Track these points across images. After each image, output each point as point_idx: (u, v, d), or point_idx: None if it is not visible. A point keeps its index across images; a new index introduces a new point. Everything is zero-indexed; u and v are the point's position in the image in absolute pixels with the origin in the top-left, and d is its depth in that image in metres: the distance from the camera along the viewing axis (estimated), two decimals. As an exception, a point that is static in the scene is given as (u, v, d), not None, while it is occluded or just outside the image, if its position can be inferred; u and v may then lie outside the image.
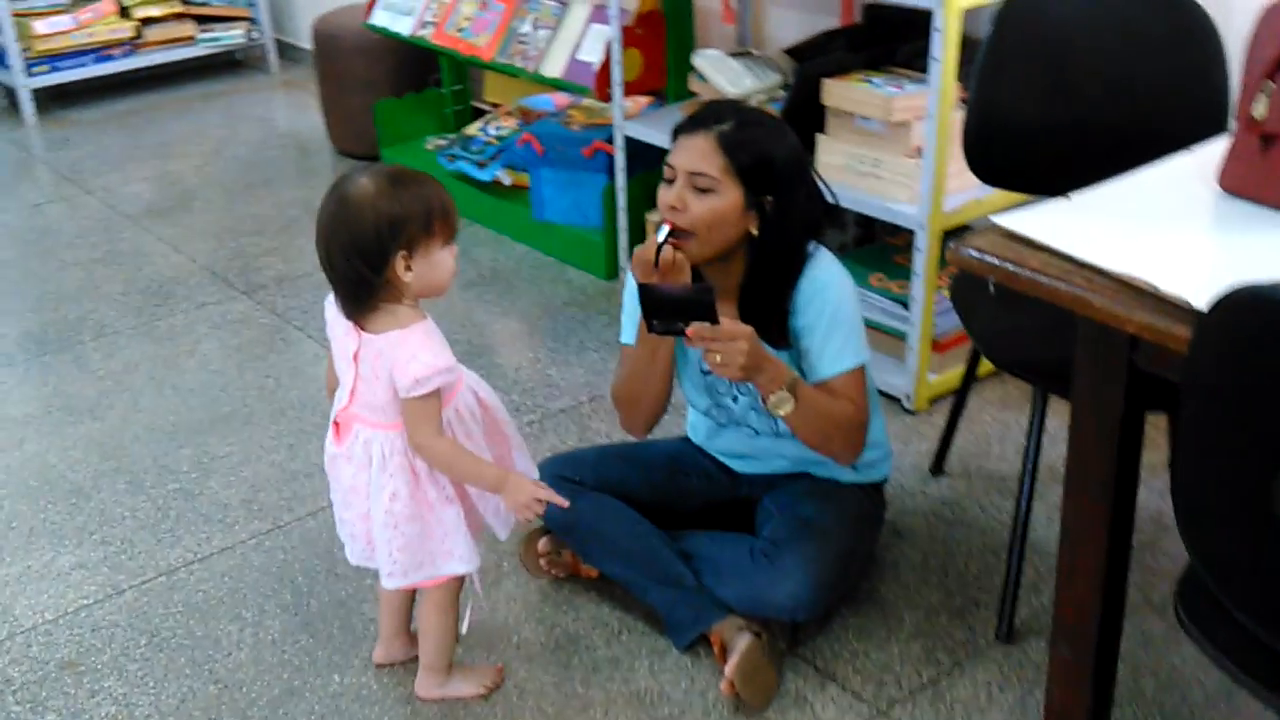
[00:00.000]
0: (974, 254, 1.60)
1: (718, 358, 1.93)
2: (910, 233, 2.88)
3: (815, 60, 3.08)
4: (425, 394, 1.82)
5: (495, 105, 4.54)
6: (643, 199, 3.53)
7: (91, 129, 5.24)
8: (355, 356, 1.86)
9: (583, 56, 3.61)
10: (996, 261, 1.58)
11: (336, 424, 1.97)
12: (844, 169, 2.97)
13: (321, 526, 2.64)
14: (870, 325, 3.11)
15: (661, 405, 2.24)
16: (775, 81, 3.27)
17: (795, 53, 3.30)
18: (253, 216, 4.28)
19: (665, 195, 2.05)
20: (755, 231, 2.05)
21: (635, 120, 3.53)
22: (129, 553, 2.59)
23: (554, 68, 3.67)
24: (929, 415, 2.96)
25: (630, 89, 3.59)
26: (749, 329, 1.94)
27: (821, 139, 3.01)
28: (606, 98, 3.53)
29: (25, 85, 5.29)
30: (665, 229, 2.02)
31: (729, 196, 2.03)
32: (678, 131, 2.10)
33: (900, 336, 3.01)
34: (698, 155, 2.03)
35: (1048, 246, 1.56)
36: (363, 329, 1.85)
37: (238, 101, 5.52)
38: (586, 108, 3.88)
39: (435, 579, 2.02)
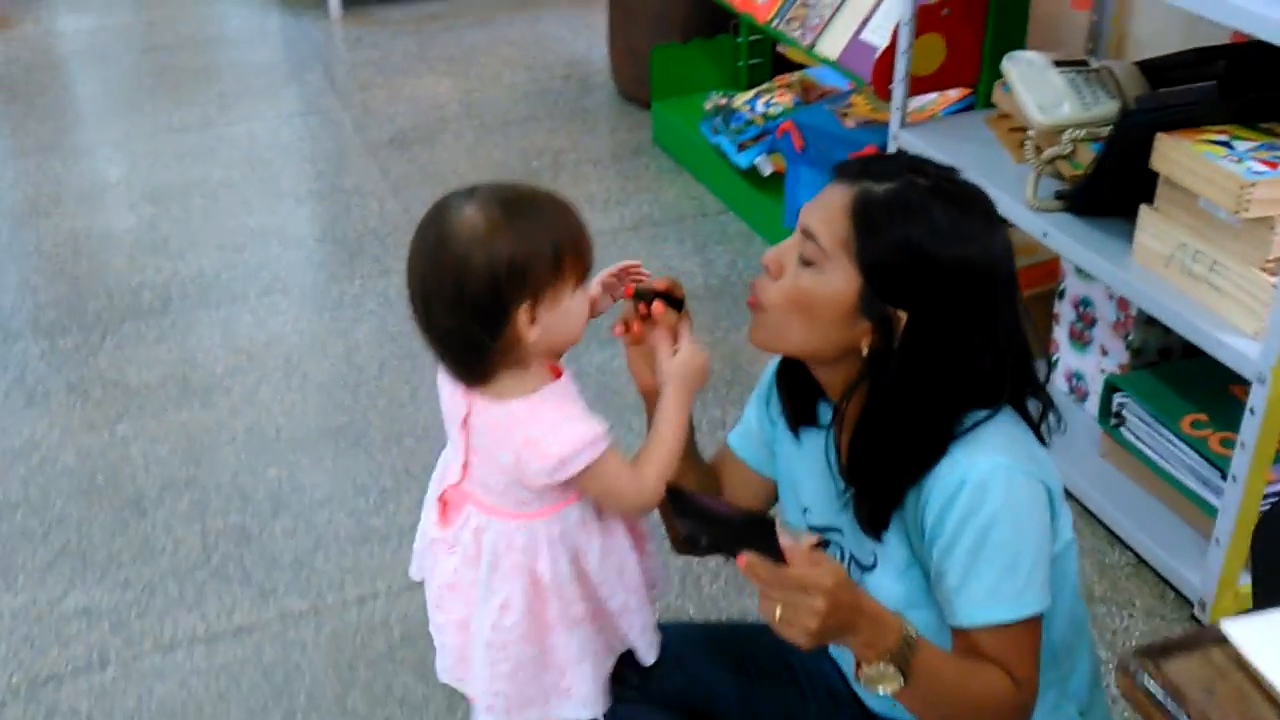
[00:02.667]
0: (1156, 692, 0.78)
1: (777, 610, 1.19)
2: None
3: (1161, 96, 2.12)
4: (582, 470, 1.30)
5: (799, 66, 3.75)
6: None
7: (386, 31, 4.88)
8: (465, 422, 1.36)
9: (868, 36, 2.77)
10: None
11: (444, 501, 1.44)
12: (1169, 262, 2.03)
13: (362, 620, 2.11)
14: (1170, 482, 2.19)
15: None
16: (1107, 112, 2.31)
17: (1151, 71, 2.33)
18: (493, 163, 3.76)
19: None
20: (865, 351, 1.30)
21: (920, 128, 2.67)
22: (141, 607, 2.16)
23: (832, 45, 2.86)
24: (1223, 643, 2.02)
25: (926, 84, 2.74)
26: (832, 579, 1.15)
27: (1145, 213, 2.07)
28: (885, 95, 2.69)
29: (336, -25, 5.00)
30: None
31: (833, 283, 1.28)
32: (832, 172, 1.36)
33: (1209, 514, 2.07)
34: (821, 213, 1.30)
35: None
36: (477, 392, 1.35)
37: (544, 18, 4.99)
38: (874, 96, 3.03)
39: None
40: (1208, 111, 2.02)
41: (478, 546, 1.39)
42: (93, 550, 2.29)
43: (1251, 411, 1.90)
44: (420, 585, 1.46)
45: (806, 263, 1.31)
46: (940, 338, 1.28)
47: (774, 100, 3.28)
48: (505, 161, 3.77)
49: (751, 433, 1.58)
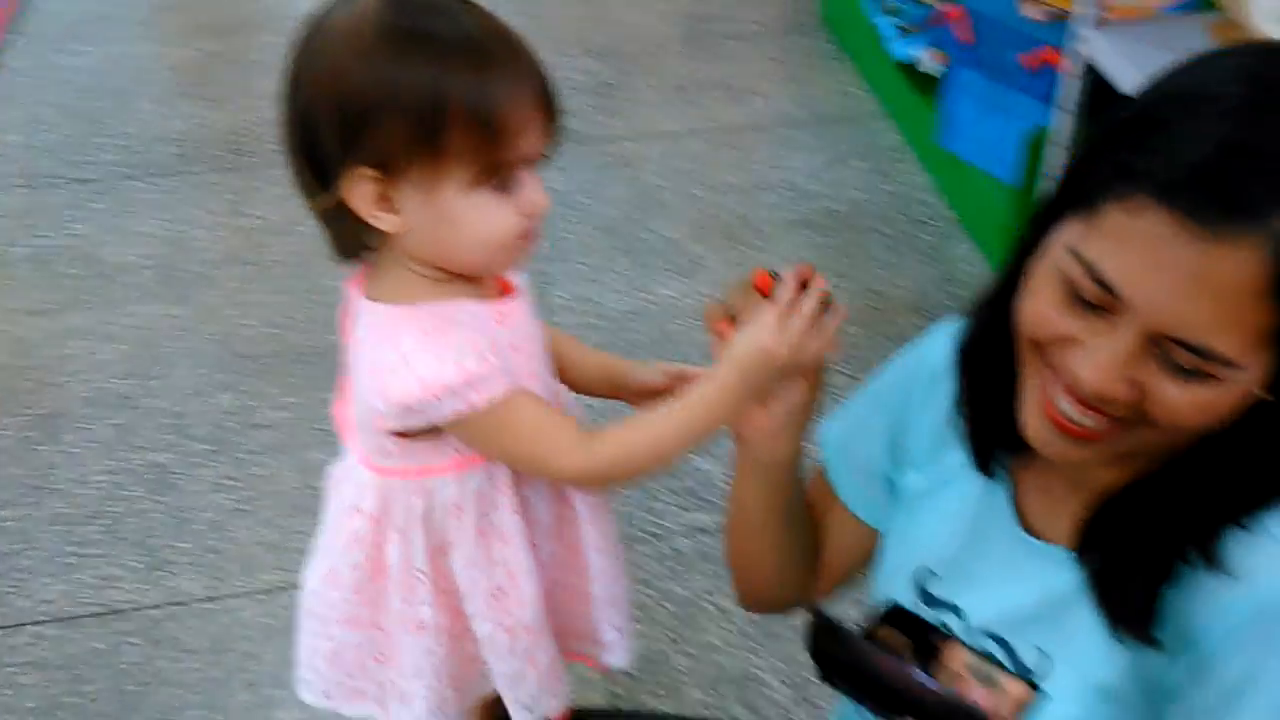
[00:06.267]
0: None
1: None
2: None
3: None
4: (452, 421, 0.90)
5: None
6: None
7: None
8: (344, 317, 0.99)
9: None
10: None
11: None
12: None
13: (263, 619, 1.63)
14: None
15: (788, 585, 1.02)
16: None
17: None
18: (610, 24, 3.12)
19: (1087, 356, 0.72)
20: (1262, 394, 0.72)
21: (1120, 28, 1.93)
22: (5, 566, 1.73)
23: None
24: None
25: (1150, -30, 1.97)
26: None
27: None
28: (1083, -20, 1.94)
29: None
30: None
31: (1239, 387, 0.70)
32: (1141, 174, 0.66)
33: None
34: (1195, 300, 0.66)
35: None
36: (363, 283, 0.96)
37: None
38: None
39: None
40: None
41: (330, 488, 1.05)
42: (-14, 479, 1.87)
43: None
44: None
45: (1188, 375, 0.70)
46: None
47: (957, -24, 2.52)
48: (629, 24, 3.13)
49: (868, 461, 0.96)
